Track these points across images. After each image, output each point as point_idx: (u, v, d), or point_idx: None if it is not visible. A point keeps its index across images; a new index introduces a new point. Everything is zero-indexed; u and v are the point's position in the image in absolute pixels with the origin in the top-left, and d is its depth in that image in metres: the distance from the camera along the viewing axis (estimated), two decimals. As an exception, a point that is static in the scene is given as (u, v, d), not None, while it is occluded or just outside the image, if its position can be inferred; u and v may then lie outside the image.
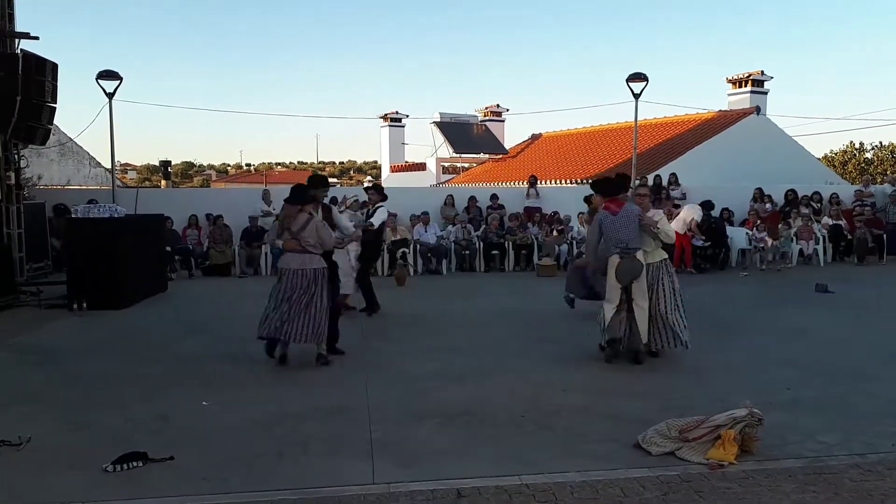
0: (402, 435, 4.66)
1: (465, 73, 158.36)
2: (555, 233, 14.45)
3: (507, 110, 29.99)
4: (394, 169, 29.81)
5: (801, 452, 4.32)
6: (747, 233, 14.42)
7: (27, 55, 10.26)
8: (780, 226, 14.97)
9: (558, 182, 21.15)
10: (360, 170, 77.47)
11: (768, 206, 15.67)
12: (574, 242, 14.34)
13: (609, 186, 6.70)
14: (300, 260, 6.25)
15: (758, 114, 20.94)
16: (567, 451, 4.36)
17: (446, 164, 28.19)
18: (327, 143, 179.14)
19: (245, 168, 76.54)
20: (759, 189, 16.07)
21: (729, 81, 22.39)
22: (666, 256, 6.68)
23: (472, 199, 15.51)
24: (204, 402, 5.32)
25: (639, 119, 16.17)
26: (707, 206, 13.38)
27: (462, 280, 12.52)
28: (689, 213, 13.11)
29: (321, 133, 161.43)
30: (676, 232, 13.03)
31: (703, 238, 13.49)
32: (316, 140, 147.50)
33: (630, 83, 15.37)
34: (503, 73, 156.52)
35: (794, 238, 14.35)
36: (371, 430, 4.72)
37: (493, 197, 15.56)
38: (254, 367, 6.41)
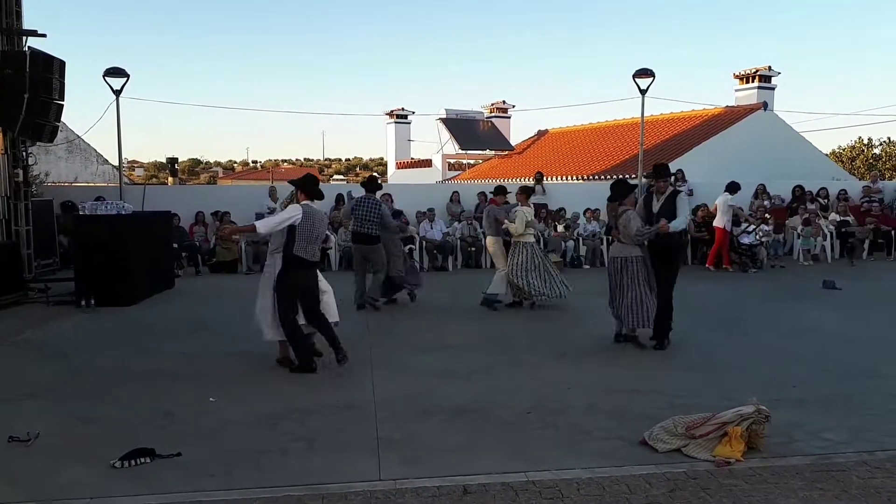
0: (409, 431, 4.66)
1: (470, 70, 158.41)
2: (561, 229, 14.44)
3: (513, 107, 29.91)
4: (400, 165, 29.80)
5: (809, 450, 4.31)
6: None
7: (34, 53, 10.29)
8: (786, 221, 14.94)
9: (565, 178, 21.10)
10: (366, 166, 77.51)
11: (766, 203, 15.59)
12: (580, 239, 14.34)
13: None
14: None
15: (765, 109, 20.82)
16: (573, 448, 4.36)
17: (452, 161, 28.13)
18: (333, 139, 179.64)
19: (251, 165, 76.69)
20: (762, 185, 16.01)
21: (736, 77, 22.26)
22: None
23: (482, 194, 15.41)
24: (211, 399, 5.34)
25: (645, 115, 16.10)
26: (732, 187, 12.98)
27: (468, 277, 12.50)
28: (722, 201, 12.87)
29: (327, 130, 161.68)
30: (716, 226, 12.89)
31: (754, 229, 13.10)
32: (322, 137, 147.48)
33: (636, 79, 15.32)
34: (509, 69, 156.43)
35: (798, 233, 14.31)
36: (377, 427, 4.73)
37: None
38: (259, 364, 6.42)
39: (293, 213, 5.95)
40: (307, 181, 6.32)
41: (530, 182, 16.28)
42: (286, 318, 5.97)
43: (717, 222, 12.98)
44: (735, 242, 13.18)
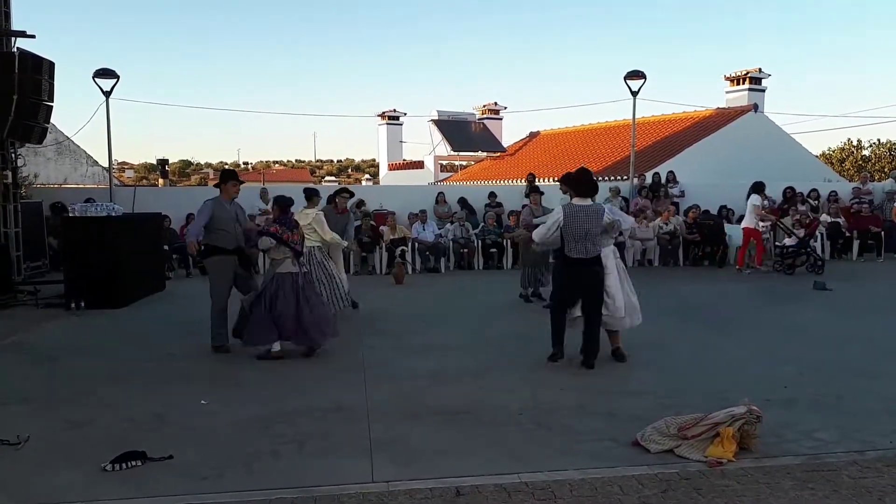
0: (401, 433, 4.65)
1: (463, 71, 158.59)
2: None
3: (505, 108, 29.98)
4: (392, 167, 29.79)
5: (800, 450, 4.33)
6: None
7: (23, 54, 10.22)
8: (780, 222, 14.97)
9: (556, 180, 21.13)
10: (358, 168, 77.45)
11: (765, 202, 15.66)
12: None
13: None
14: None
15: (755, 111, 20.95)
16: (565, 449, 4.36)
17: (444, 163, 28.16)
18: (325, 141, 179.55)
19: (243, 166, 76.43)
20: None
21: (727, 79, 22.40)
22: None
23: (462, 199, 15.49)
24: (202, 401, 5.31)
25: (637, 117, 16.16)
26: (759, 187, 12.75)
27: (460, 278, 12.52)
28: (750, 203, 12.67)
29: (319, 131, 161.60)
30: (747, 227, 12.70)
31: (792, 232, 12.77)
32: (313, 138, 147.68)
33: (628, 81, 15.39)
34: (501, 71, 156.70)
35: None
36: (369, 429, 4.72)
37: (492, 195, 15.56)
38: (251, 366, 6.40)
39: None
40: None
41: (523, 184, 16.31)
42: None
43: (746, 222, 12.78)
44: (777, 246, 13.02)
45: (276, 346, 6.51)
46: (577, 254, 6.18)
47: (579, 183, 6.42)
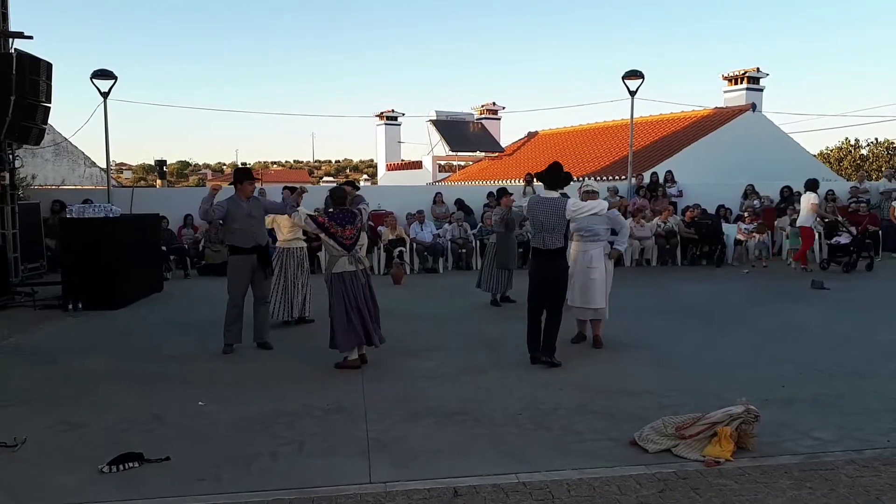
0: (399, 434, 4.65)
1: (461, 72, 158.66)
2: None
3: (503, 108, 29.99)
4: (390, 167, 29.77)
5: (798, 449, 4.33)
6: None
7: (21, 55, 10.21)
8: (775, 221, 15.01)
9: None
10: (357, 168, 77.43)
11: (756, 202, 15.68)
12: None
13: None
14: None
15: (753, 111, 20.96)
16: (564, 450, 4.36)
17: (442, 163, 28.14)
18: (323, 141, 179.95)
19: (241, 167, 76.35)
20: (751, 185, 16.13)
21: (725, 78, 22.40)
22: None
23: (459, 201, 15.49)
24: (200, 402, 5.31)
25: (635, 116, 16.17)
26: (813, 185, 12.46)
27: (459, 278, 12.49)
28: (806, 201, 12.39)
29: (317, 132, 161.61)
30: (804, 227, 12.51)
31: (846, 230, 12.56)
32: (312, 139, 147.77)
33: (626, 80, 15.40)
34: (499, 71, 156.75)
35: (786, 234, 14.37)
36: (367, 429, 4.71)
37: (490, 195, 15.54)
38: (249, 367, 6.40)
39: None
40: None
41: (521, 184, 16.31)
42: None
43: (803, 221, 12.57)
44: (829, 244, 12.89)
45: (354, 354, 6.33)
46: (535, 243, 6.42)
47: (545, 175, 6.51)
